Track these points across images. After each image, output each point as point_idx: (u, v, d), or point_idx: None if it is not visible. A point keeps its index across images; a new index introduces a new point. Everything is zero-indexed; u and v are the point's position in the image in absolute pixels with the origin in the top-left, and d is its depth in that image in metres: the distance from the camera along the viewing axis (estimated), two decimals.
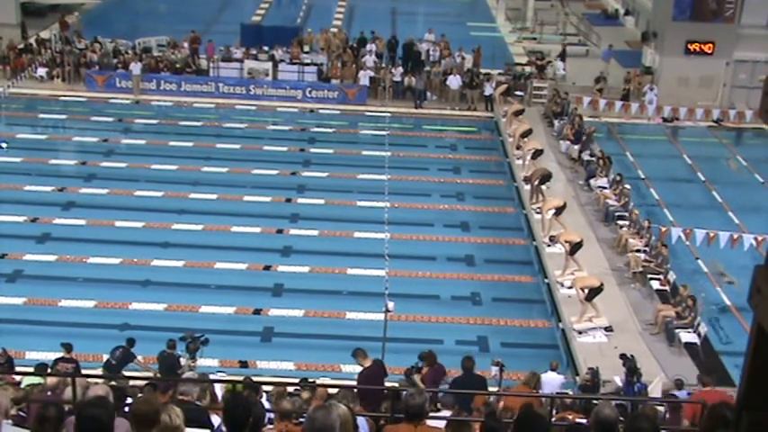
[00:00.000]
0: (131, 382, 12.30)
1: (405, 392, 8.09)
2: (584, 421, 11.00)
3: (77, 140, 28.82)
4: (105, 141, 28.25)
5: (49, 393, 10.21)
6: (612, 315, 18.38)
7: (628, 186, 23.64)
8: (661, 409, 12.58)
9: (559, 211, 21.47)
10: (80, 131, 29.33)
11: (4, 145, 26.12)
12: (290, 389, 12.97)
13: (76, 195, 24.19)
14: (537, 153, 25.00)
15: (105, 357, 15.30)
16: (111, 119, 30.10)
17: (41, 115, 30.48)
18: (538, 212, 22.57)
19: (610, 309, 18.56)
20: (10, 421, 6.34)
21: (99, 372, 14.36)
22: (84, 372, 13.53)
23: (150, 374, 14.51)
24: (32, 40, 34.74)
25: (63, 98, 31.30)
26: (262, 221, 22.84)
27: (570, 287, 18.94)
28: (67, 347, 14.55)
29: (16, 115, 30.52)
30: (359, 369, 13.86)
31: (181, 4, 44.02)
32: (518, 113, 28.50)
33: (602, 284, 18.11)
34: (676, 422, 12.39)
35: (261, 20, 41.12)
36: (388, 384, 13.18)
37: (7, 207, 22.95)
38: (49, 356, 14.54)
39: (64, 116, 30.57)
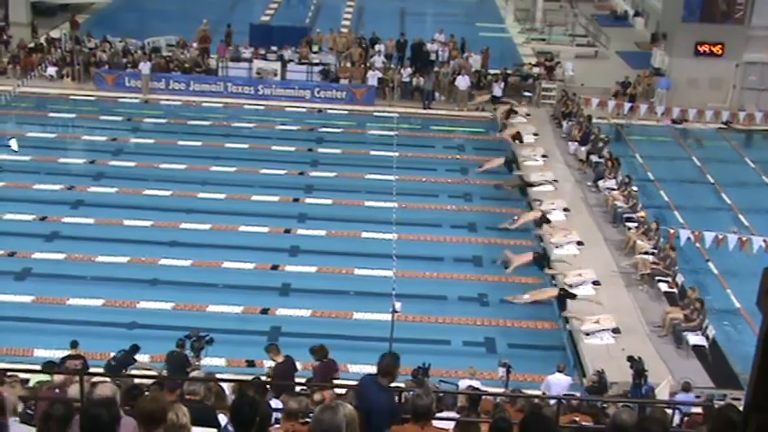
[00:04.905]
0: (137, 381, 12.30)
1: (411, 393, 8.07)
2: (590, 424, 10.98)
3: (86, 139, 28.93)
4: (114, 140, 28.31)
5: (57, 391, 10.23)
6: (620, 317, 18.33)
7: (635, 188, 23.57)
8: (669, 411, 12.52)
9: (541, 221, 22.05)
10: (89, 130, 29.41)
11: (13, 143, 26.15)
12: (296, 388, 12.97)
13: (85, 194, 24.24)
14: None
15: (112, 355, 15.32)
16: (120, 118, 30.14)
17: (51, 114, 30.55)
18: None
19: (617, 311, 18.52)
20: (17, 419, 6.34)
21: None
22: (91, 370, 13.57)
23: (155, 373, 14.51)
24: (42, 40, 34.87)
25: (72, 97, 31.36)
26: (269, 221, 22.85)
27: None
28: (74, 345, 14.59)
29: (26, 114, 30.62)
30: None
31: (190, 3, 44.05)
32: (508, 114, 29.40)
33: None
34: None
35: (270, 20, 41.16)
36: (392, 385, 13.14)
37: (16, 205, 23.01)
38: (57, 354, 14.59)
39: (73, 115, 30.61)
